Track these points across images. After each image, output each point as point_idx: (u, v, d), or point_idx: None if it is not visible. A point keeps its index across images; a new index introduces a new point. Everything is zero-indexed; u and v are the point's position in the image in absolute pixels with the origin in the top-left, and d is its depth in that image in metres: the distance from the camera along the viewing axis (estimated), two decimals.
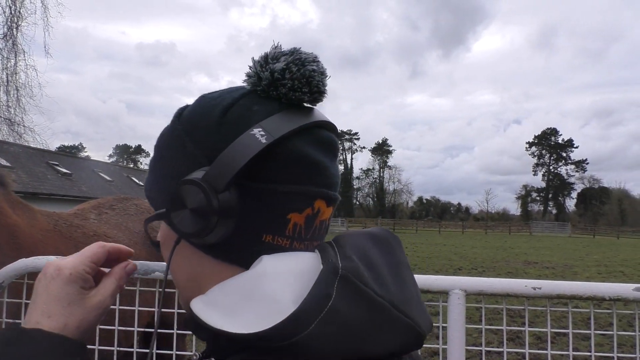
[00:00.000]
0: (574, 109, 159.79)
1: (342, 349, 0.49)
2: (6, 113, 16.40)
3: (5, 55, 16.36)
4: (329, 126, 0.63)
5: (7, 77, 16.47)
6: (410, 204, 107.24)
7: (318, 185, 0.58)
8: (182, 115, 0.62)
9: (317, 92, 0.60)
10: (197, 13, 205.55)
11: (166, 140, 0.63)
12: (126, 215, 3.12)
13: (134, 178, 33.23)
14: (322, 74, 0.61)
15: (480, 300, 1.41)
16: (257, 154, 0.52)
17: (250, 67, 0.61)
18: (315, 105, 0.63)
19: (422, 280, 1.33)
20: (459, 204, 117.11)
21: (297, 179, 0.56)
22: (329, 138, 0.61)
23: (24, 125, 17.17)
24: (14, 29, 16.35)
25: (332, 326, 0.48)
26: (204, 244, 0.57)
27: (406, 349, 0.54)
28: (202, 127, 0.58)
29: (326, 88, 0.62)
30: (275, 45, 0.61)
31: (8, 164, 21.35)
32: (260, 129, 0.54)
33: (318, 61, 0.61)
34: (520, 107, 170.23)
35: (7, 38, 16.29)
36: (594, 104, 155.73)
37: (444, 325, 1.36)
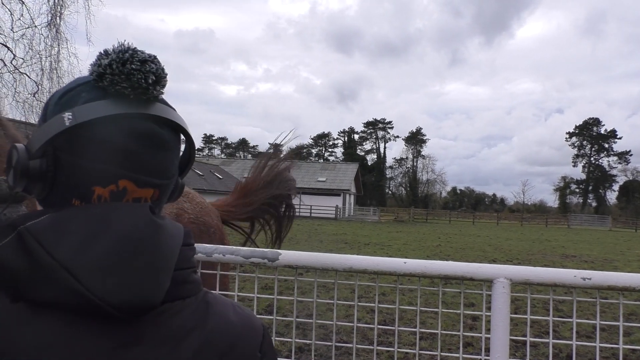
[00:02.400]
0: (620, 99, 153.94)
1: (8, 282, 0.62)
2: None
3: (49, 44, 16.83)
4: (159, 120, 0.72)
5: (50, 65, 16.96)
6: (444, 194, 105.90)
7: (124, 168, 0.68)
8: (51, 95, 0.76)
9: (140, 89, 0.69)
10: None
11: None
12: None
13: None
14: (147, 72, 0.70)
15: (525, 289, 1.36)
16: (64, 132, 0.66)
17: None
18: (147, 102, 0.72)
19: (465, 267, 1.30)
20: (494, 195, 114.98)
21: (100, 159, 0.67)
22: (145, 130, 0.70)
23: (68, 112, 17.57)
24: (57, 17, 16.80)
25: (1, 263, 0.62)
26: (37, 198, 0.73)
27: (72, 309, 0.61)
28: (48, 106, 0.73)
29: (153, 86, 0.71)
30: (120, 42, 0.73)
31: None
32: (70, 114, 0.67)
33: (149, 61, 0.71)
34: (563, 95, 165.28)
35: (51, 26, 16.74)
36: None
37: (487, 314, 1.32)
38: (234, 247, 1.54)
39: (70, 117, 0.66)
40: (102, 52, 0.72)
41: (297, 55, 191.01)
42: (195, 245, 1.54)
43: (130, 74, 0.69)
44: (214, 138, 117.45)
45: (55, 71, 17.05)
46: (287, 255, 1.50)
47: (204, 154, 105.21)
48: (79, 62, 18.68)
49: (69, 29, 21.02)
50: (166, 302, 0.68)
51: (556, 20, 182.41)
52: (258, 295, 1.55)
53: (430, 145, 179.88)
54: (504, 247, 21.40)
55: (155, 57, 0.74)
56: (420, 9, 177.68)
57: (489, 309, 1.32)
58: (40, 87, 16.77)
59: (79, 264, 0.60)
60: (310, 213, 46.27)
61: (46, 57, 16.79)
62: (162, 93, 0.75)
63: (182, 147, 0.81)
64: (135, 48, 0.72)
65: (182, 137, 0.79)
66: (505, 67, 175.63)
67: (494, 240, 25.64)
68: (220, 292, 1.63)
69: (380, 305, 1.48)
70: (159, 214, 0.75)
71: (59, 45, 16.97)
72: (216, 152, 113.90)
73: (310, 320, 1.52)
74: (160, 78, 0.72)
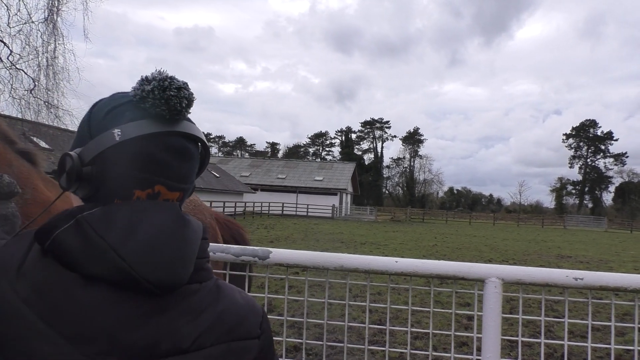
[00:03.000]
0: (617, 101, 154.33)
1: (68, 258, 0.76)
2: (45, 96, 16.79)
3: (46, 39, 16.72)
4: (186, 135, 0.87)
5: (47, 61, 16.86)
6: (441, 194, 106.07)
7: (158, 175, 0.83)
8: (93, 107, 0.90)
9: (175, 111, 0.84)
10: None
11: (81, 122, 0.91)
12: None
13: None
14: (182, 98, 0.84)
15: (517, 289, 1.35)
16: (112, 146, 0.80)
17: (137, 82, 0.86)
18: (178, 120, 0.86)
19: (457, 267, 1.29)
20: (491, 195, 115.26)
21: (141, 168, 0.81)
22: (176, 145, 0.85)
23: (62, 109, 17.56)
24: (55, 13, 16.69)
25: (63, 243, 0.76)
26: (82, 197, 0.85)
27: (116, 282, 0.75)
28: (95, 119, 0.86)
29: (185, 109, 0.86)
30: (159, 70, 0.86)
31: (47, 146, 22.01)
32: (119, 130, 0.80)
33: (183, 88, 0.85)
34: (561, 97, 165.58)
35: (48, 22, 16.62)
36: None
37: (479, 313, 1.31)
38: (224, 244, 1.52)
39: (119, 133, 0.80)
40: (145, 78, 0.85)
41: (296, 54, 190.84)
42: None
43: (169, 99, 0.83)
44: (211, 136, 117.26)
45: (51, 67, 16.96)
46: (278, 254, 1.49)
47: None
48: (75, 58, 18.57)
49: (66, 25, 20.87)
50: (189, 284, 0.82)
51: (555, 22, 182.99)
52: (250, 294, 1.52)
53: (427, 145, 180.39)
54: (500, 247, 21.43)
55: (186, 84, 0.88)
56: (420, 9, 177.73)
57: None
58: (37, 83, 16.66)
59: (124, 247, 0.75)
60: (307, 212, 46.25)
61: (43, 54, 16.69)
62: (190, 113, 0.89)
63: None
64: (172, 77, 0.86)
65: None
66: (504, 68, 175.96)
67: (490, 241, 25.68)
68: None
69: (372, 304, 1.46)
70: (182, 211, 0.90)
71: (55, 42, 16.85)
72: (214, 150, 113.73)
73: (302, 319, 1.51)
74: (190, 102, 0.87)
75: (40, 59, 16.61)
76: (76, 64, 17.50)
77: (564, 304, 1.35)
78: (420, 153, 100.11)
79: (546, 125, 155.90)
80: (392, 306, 1.45)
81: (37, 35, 16.61)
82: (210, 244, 1.46)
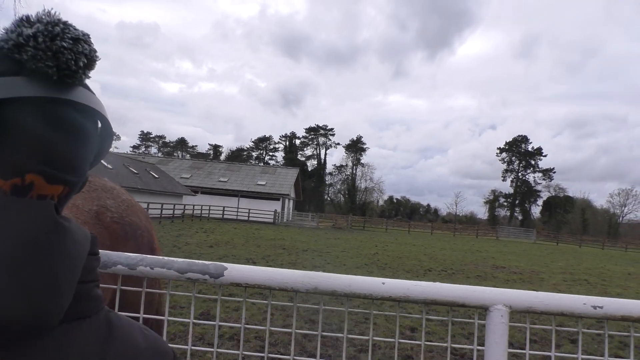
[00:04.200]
0: (548, 119, 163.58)
1: None
2: None
3: None
4: (81, 107, 0.62)
5: None
6: (381, 202, 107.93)
7: (35, 159, 0.57)
8: None
9: (68, 71, 0.59)
10: None
11: None
12: None
13: (102, 161, 32.07)
14: (79, 54, 0.60)
15: (519, 317, 1.13)
16: None
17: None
18: (71, 85, 0.61)
19: (456, 291, 1.05)
20: (429, 205, 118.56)
21: (7, 146, 0.56)
22: (67, 117, 0.60)
23: None
24: None
25: None
26: None
27: None
28: None
29: (83, 70, 0.61)
30: (46, 10, 0.60)
31: None
32: None
33: (83, 41, 0.61)
34: (496, 113, 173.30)
35: None
36: (568, 115, 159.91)
37: (480, 347, 1.08)
38: (167, 258, 1.20)
39: None
40: (25, 17, 0.59)
41: (243, 56, 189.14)
42: (116, 254, 1.21)
43: (58, 52, 0.58)
44: (151, 136, 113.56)
45: None
46: (235, 271, 1.18)
47: (140, 151, 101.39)
48: None
49: None
50: (64, 322, 0.57)
51: (494, 41, 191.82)
52: (195, 321, 1.20)
53: (369, 154, 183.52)
54: (439, 257, 21.85)
55: (88, 36, 0.63)
56: (368, 20, 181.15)
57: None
58: None
59: None
60: (249, 217, 45.55)
61: None
62: (90, 77, 0.64)
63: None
64: (66, 22, 0.61)
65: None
66: (445, 82, 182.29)
67: (428, 250, 26.17)
68: (150, 316, 1.29)
69: (350, 335, 1.20)
70: (61, 214, 0.62)
71: None
72: (153, 150, 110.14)
73: (262, 354, 1.20)
74: (92, 61, 0.62)
75: None
76: None
77: (574, 332, 1.15)
78: (362, 161, 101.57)
79: (482, 139, 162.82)
80: (376, 338, 1.19)
81: None
82: (146, 257, 1.14)
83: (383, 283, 1.13)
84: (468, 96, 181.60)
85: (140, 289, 1.22)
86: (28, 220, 0.55)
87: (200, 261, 1.16)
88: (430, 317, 1.26)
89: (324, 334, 1.25)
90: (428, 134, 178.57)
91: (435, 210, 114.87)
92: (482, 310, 1.06)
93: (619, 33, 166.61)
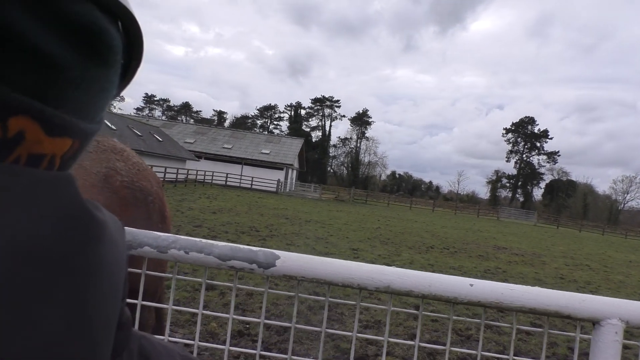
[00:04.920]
0: (556, 101, 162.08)
1: None
2: None
3: None
4: (104, 3, 0.35)
5: None
6: (383, 177, 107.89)
7: (29, 91, 0.31)
8: None
9: None
10: None
11: None
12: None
13: (105, 121, 31.86)
14: None
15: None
16: None
17: None
18: None
19: (562, 299, 0.85)
20: (431, 182, 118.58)
21: None
22: (81, 20, 0.33)
23: None
24: None
25: None
26: None
27: None
28: None
29: None
30: None
31: None
32: None
33: None
34: (505, 93, 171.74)
35: None
36: (577, 99, 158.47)
37: None
38: (205, 240, 0.99)
39: None
40: None
41: (252, 22, 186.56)
42: (144, 233, 1.00)
43: None
44: (155, 99, 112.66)
45: None
46: (290, 261, 0.96)
47: (144, 114, 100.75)
48: None
49: None
50: None
51: (508, 19, 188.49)
52: (234, 316, 0.99)
53: (374, 128, 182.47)
54: (440, 235, 21.78)
55: None
56: None
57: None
58: None
59: None
60: (252, 185, 45.46)
61: None
62: None
63: None
64: None
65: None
66: (454, 59, 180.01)
67: (430, 227, 26.11)
68: (149, 303, 1.08)
69: (422, 344, 1.00)
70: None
71: None
72: (157, 113, 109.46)
73: None
74: None
75: None
76: None
77: None
78: (367, 135, 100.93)
79: (489, 119, 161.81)
80: (454, 348, 1.00)
81: None
82: (180, 237, 0.93)
83: (471, 285, 0.92)
84: (477, 74, 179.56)
85: (139, 271, 1.00)
86: (27, 213, 0.30)
87: (246, 247, 0.95)
88: (521, 327, 1.05)
89: (393, 340, 1.05)
90: (435, 110, 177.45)
91: (437, 188, 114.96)
92: (589, 322, 0.87)
93: (636, 17, 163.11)
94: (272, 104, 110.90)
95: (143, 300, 1.09)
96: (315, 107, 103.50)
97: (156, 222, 2.80)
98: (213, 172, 44.10)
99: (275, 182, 46.30)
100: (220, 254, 0.93)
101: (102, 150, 2.65)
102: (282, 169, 51.11)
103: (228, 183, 45.35)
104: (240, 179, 46.67)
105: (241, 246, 0.94)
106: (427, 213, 46.92)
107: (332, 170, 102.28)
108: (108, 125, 29.20)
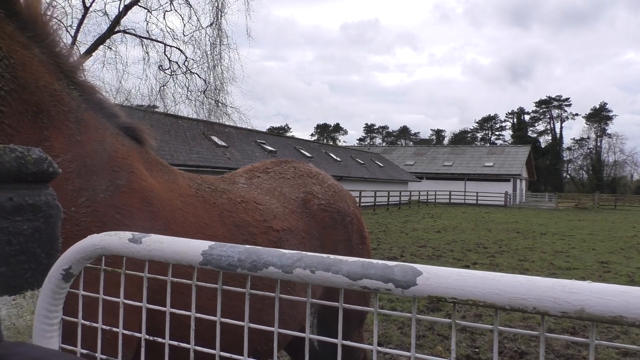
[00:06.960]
0: None
1: None
2: (215, 95, 18.24)
3: (211, 42, 18.09)
4: None
5: (214, 62, 18.21)
6: (636, 177, 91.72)
7: None
8: None
9: None
10: None
11: None
12: (281, 179, 2.66)
13: (331, 154, 34.62)
14: None
15: None
16: None
17: None
18: None
19: None
20: None
21: None
22: None
23: (230, 106, 18.94)
24: (220, 17, 17.91)
25: None
26: None
27: None
28: None
29: None
30: None
31: (224, 143, 23.92)
32: None
33: None
34: None
35: (214, 27, 17.93)
36: None
37: None
38: (333, 256, 0.84)
39: None
40: None
41: (464, 35, 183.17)
42: (267, 251, 0.91)
43: None
44: (375, 127, 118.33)
45: (219, 67, 18.27)
46: (436, 277, 0.70)
47: (366, 143, 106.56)
48: (239, 57, 20.02)
49: (230, 25, 22.75)
50: None
51: None
52: (378, 348, 0.80)
53: (618, 122, 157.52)
54: None
55: None
56: None
57: None
58: (208, 84, 18.14)
59: None
60: (477, 200, 43.59)
61: (210, 55, 18.08)
62: None
63: None
64: None
65: None
66: None
67: None
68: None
69: None
70: None
71: (220, 43, 18.11)
72: (378, 140, 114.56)
73: None
74: None
75: (209, 61, 18.06)
76: (241, 64, 18.75)
77: None
78: (608, 131, 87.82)
79: None
80: None
81: (206, 40, 18.11)
82: (308, 254, 0.80)
83: None
84: None
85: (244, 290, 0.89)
86: None
87: (380, 262, 0.76)
88: None
89: None
90: None
91: None
92: None
93: None
94: (492, 114, 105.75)
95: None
96: (541, 110, 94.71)
97: (356, 243, 2.78)
98: (435, 191, 43.76)
99: (503, 195, 43.48)
100: (349, 272, 0.75)
101: (299, 175, 2.77)
102: (508, 180, 47.90)
103: (452, 200, 44.39)
104: (465, 195, 45.24)
105: (374, 261, 0.75)
106: None
107: (568, 176, 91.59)
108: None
